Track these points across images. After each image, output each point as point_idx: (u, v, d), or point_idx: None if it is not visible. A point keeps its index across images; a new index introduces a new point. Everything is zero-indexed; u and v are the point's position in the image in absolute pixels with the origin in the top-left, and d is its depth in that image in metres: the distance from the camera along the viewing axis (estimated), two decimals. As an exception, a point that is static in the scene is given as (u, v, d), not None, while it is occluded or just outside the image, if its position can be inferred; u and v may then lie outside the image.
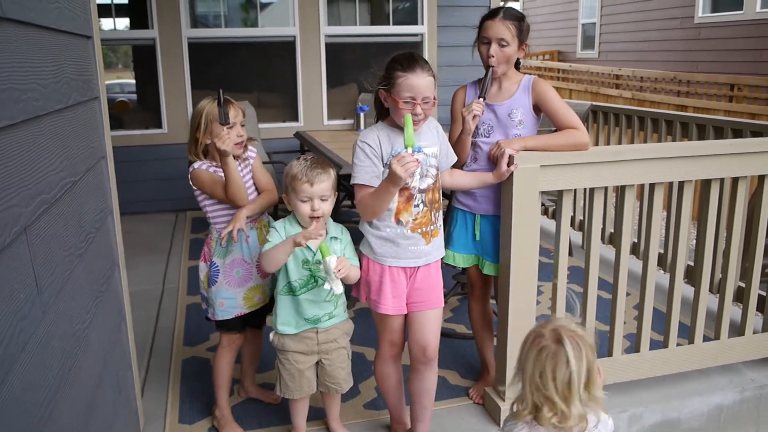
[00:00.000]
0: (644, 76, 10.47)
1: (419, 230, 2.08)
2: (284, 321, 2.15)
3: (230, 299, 2.29)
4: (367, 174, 2.02)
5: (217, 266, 2.28)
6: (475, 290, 2.58)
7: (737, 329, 2.72)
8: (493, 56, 2.26)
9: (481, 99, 2.25)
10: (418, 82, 1.95)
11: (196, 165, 2.26)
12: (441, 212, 2.18)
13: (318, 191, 2.02)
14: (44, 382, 1.22)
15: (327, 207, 2.06)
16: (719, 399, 2.64)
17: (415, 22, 6.06)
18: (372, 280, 2.11)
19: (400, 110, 1.97)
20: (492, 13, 2.29)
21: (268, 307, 2.39)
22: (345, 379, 2.25)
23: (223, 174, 2.17)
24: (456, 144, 2.33)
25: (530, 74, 2.40)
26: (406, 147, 1.88)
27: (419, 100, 1.96)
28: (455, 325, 3.28)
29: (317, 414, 2.44)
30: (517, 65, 2.39)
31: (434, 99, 2.00)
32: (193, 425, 2.46)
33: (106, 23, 5.68)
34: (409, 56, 2.00)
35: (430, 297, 2.14)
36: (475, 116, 2.23)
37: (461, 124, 2.31)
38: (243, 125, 2.29)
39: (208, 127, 2.23)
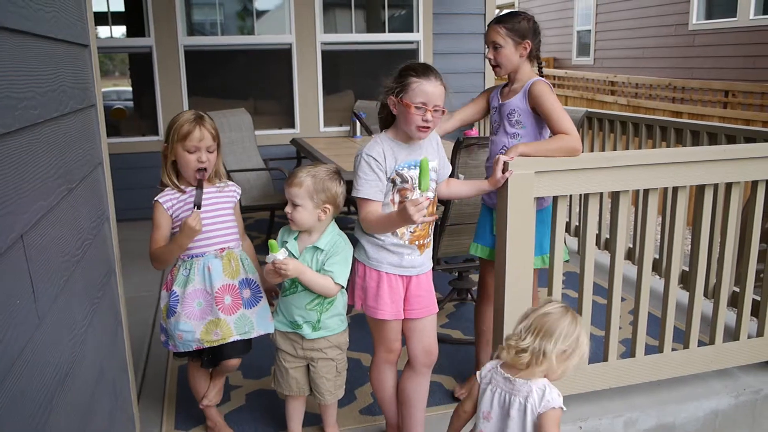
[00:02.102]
0: (639, 83, 10.52)
1: (416, 242, 2.11)
2: (278, 318, 2.26)
3: (189, 332, 2.16)
4: (371, 188, 2.04)
5: (177, 295, 2.18)
6: (488, 289, 2.58)
7: (732, 334, 2.73)
8: (491, 58, 2.41)
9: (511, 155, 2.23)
10: (431, 89, 1.99)
11: (158, 197, 2.20)
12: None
13: (288, 194, 2.11)
14: (41, 388, 1.22)
15: (296, 214, 2.09)
16: (714, 404, 2.65)
17: (410, 30, 6.09)
18: (369, 286, 2.12)
19: (412, 115, 1.99)
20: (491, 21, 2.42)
21: (240, 348, 2.28)
22: (329, 391, 2.25)
23: (178, 219, 2.16)
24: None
25: (540, 77, 2.40)
26: (421, 191, 1.87)
27: (430, 107, 1.99)
28: (451, 331, 3.29)
29: (314, 420, 2.44)
30: (540, 70, 2.44)
31: (443, 110, 2.03)
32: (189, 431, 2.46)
33: (103, 31, 5.69)
34: (423, 65, 2.06)
35: (428, 303, 2.18)
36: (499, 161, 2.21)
37: (485, 103, 2.54)
38: (211, 152, 2.19)
39: (173, 145, 2.16)
